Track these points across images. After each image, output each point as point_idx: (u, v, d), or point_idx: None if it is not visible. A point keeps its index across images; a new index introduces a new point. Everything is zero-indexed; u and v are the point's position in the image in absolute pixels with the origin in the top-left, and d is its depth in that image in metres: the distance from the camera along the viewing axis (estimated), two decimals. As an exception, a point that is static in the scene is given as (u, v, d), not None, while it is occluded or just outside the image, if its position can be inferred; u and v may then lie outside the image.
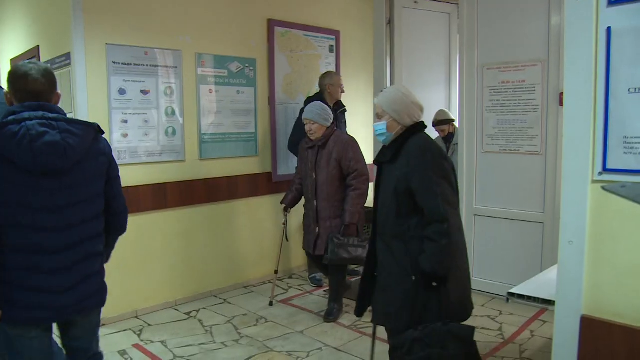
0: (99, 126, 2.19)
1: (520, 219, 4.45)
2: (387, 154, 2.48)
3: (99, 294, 2.26)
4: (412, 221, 2.36)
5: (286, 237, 4.58)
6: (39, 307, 2.03)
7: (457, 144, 4.94)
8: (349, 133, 5.38)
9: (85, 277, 2.15)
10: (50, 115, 2.01)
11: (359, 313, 2.75)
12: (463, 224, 4.64)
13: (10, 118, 1.95)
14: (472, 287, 4.66)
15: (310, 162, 4.13)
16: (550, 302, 2.15)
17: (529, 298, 2.29)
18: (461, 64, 4.73)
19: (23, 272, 2.00)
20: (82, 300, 2.14)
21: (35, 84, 2.02)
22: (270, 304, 4.53)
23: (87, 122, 2.15)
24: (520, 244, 4.46)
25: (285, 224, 4.53)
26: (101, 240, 2.27)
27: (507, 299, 2.37)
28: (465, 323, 2.42)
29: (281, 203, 4.47)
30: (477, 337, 3.72)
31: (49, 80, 2.07)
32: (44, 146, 1.94)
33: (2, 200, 1.95)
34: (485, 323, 4.06)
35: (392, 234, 2.44)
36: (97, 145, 2.17)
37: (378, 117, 2.52)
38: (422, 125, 2.51)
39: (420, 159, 2.35)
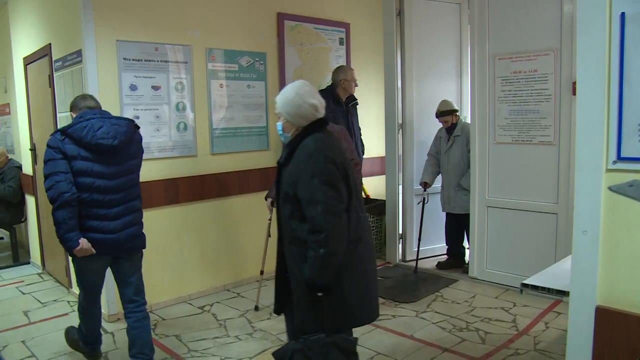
0: (135, 122, 3.15)
1: (534, 210, 4.42)
2: (282, 155, 2.42)
3: (140, 238, 3.17)
4: (305, 226, 2.25)
5: (270, 233, 4.28)
6: (102, 243, 2.96)
7: (458, 135, 4.90)
8: (359, 126, 5.38)
9: (129, 225, 3.07)
10: (103, 115, 3.01)
11: (276, 310, 2.65)
12: (475, 215, 4.68)
13: (79, 119, 2.96)
14: (485, 279, 4.71)
15: None
16: (565, 293, 2.13)
17: (543, 289, 2.26)
18: (472, 54, 4.70)
19: (92, 219, 2.94)
20: (128, 240, 3.07)
21: (91, 102, 3.15)
22: (256, 308, 4.31)
23: (128, 118, 3.16)
24: (534, 235, 4.43)
25: (270, 219, 4.26)
26: (140, 200, 3.20)
27: (521, 290, 2.35)
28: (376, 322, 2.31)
29: (267, 197, 4.15)
30: (490, 328, 3.74)
31: (97, 101, 3.20)
32: (102, 133, 2.91)
33: (81, 172, 2.89)
34: (499, 315, 4.04)
35: (288, 239, 2.37)
36: (136, 135, 3.15)
37: (277, 116, 2.45)
38: (319, 124, 2.39)
39: (305, 164, 2.25)
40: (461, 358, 3.37)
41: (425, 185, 5.12)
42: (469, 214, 4.85)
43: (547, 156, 4.31)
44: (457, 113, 5.02)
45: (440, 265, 5.21)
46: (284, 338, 3.74)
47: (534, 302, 4.21)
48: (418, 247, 5.17)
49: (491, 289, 4.60)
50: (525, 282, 2.35)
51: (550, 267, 2.76)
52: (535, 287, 2.30)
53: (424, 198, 5.12)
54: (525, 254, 4.49)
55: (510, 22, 4.42)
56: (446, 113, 4.96)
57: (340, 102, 4.99)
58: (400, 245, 5.57)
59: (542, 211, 4.37)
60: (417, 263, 5.13)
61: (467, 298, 4.42)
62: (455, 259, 5.18)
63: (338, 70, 5.02)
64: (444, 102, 5.01)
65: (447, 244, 5.30)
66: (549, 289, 2.23)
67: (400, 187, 5.51)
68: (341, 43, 5.67)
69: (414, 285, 4.79)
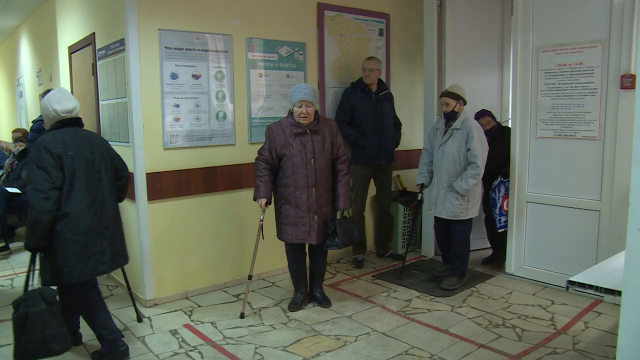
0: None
1: (575, 207, 4.32)
2: None
3: None
4: None
5: (263, 235, 4.08)
6: None
7: (458, 129, 4.37)
8: (398, 117, 5.35)
9: None
10: None
11: None
12: (514, 210, 4.58)
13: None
14: (523, 275, 4.65)
15: (306, 148, 3.86)
16: (615, 292, 2.07)
17: (591, 287, 2.20)
18: (515, 46, 4.59)
19: None
20: None
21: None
22: (241, 316, 4.02)
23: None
24: (574, 232, 4.33)
25: (262, 220, 4.05)
26: None
27: (567, 287, 2.28)
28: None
29: (259, 198, 3.92)
30: (527, 326, 3.68)
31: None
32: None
33: None
34: (537, 312, 3.97)
35: None
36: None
37: None
38: (61, 123, 3.16)
39: (32, 152, 3.02)
40: (497, 355, 3.32)
41: (422, 187, 4.73)
42: (458, 222, 4.45)
43: (590, 152, 4.20)
44: (462, 102, 4.43)
45: (484, 262, 5.13)
46: (319, 328, 3.77)
47: (573, 300, 4.13)
48: (435, 243, 5.10)
49: (528, 286, 4.52)
50: (572, 279, 2.28)
51: (598, 265, 2.68)
52: (582, 285, 2.23)
53: (419, 200, 4.81)
54: (564, 251, 4.40)
55: (555, 13, 4.31)
56: (451, 95, 4.39)
57: (368, 92, 4.99)
58: (435, 240, 5.51)
59: (584, 208, 4.26)
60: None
61: (503, 294, 4.36)
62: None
63: (363, 61, 5.08)
64: (454, 85, 4.58)
65: (440, 251, 4.97)
66: (597, 287, 2.16)
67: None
68: (381, 34, 5.61)
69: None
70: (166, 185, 4.22)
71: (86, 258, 3.08)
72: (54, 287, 3.14)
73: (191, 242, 4.43)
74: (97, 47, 4.70)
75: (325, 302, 4.19)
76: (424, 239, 5.58)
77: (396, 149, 5.32)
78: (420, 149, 5.41)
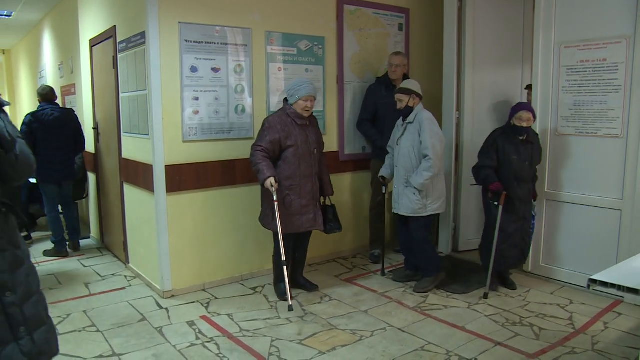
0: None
1: (595, 205, 4.26)
2: None
3: (72, 174, 5.66)
4: None
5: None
6: (51, 176, 5.40)
7: (411, 123, 4.25)
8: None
9: (67, 167, 5.55)
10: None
11: None
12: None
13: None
14: (540, 274, 4.62)
15: (309, 139, 4.05)
16: (638, 292, 2.04)
17: (613, 286, 2.16)
18: (537, 42, 4.53)
19: (48, 163, 5.29)
20: (66, 175, 5.54)
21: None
22: (290, 309, 3.89)
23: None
24: (595, 231, 4.27)
25: (277, 201, 3.94)
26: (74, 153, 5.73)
27: (588, 286, 2.25)
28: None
29: (268, 177, 3.84)
30: (545, 325, 3.66)
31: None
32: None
33: None
34: (555, 311, 3.93)
35: None
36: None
37: None
38: None
39: None
40: (514, 353, 3.30)
41: (383, 179, 4.60)
42: (415, 219, 4.29)
43: (612, 149, 4.14)
44: (417, 97, 4.31)
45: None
46: (335, 322, 3.77)
47: (592, 300, 4.08)
48: (452, 239, 5.03)
49: (546, 285, 4.48)
50: (593, 277, 2.24)
51: (620, 264, 2.65)
52: (603, 284, 2.20)
53: (383, 193, 4.74)
54: (584, 250, 4.34)
55: (578, 8, 4.24)
56: (403, 91, 4.30)
57: (392, 88, 4.96)
58: (452, 236, 5.48)
59: (605, 207, 4.20)
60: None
61: (521, 292, 4.32)
62: (414, 273, 4.58)
63: (389, 56, 5.01)
64: (407, 81, 4.49)
65: (402, 253, 4.75)
66: (619, 286, 2.13)
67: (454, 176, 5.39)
68: (400, 29, 5.57)
69: (466, 276, 4.71)
70: (185, 177, 4.25)
71: None
72: None
73: (209, 234, 4.46)
74: (118, 40, 4.73)
75: (312, 287, 4.38)
76: (440, 236, 5.54)
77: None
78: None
